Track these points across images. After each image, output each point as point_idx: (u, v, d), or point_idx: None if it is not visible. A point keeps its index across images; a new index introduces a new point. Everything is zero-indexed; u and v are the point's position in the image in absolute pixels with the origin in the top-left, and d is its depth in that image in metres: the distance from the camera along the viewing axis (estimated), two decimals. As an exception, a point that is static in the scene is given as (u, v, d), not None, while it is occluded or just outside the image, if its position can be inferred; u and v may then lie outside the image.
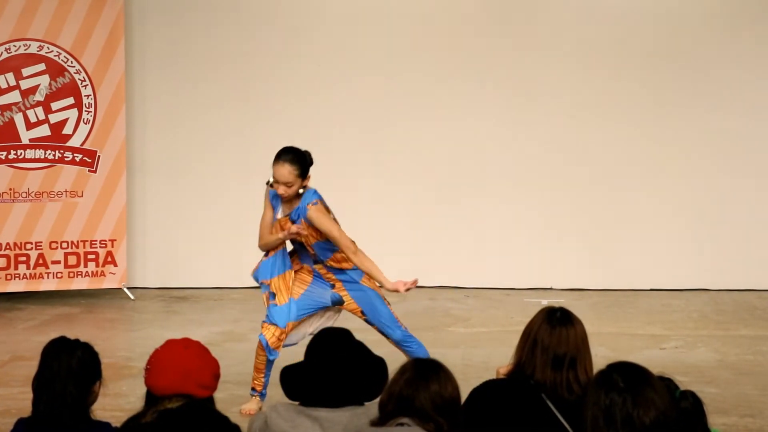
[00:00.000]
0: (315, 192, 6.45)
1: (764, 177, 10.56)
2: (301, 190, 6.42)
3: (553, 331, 3.87)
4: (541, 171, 10.59)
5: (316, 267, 6.52)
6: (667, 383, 3.53)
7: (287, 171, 6.36)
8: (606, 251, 10.57)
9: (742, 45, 10.49)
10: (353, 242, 6.40)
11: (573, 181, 10.58)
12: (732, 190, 10.56)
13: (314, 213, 6.35)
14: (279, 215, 6.53)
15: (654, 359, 7.15)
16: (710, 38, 10.51)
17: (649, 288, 10.51)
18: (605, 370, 3.26)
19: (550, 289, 10.55)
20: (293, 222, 6.42)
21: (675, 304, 9.94)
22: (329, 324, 6.40)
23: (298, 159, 6.39)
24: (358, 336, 3.98)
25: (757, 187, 10.55)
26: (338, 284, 6.50)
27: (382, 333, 6.50)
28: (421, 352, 6.42)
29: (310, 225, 6.36)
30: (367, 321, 6.52)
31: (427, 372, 3.50)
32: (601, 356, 4.02)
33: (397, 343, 6.48)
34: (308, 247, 6.45)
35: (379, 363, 3.87)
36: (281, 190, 6.39)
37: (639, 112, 10.56)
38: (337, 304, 6.53)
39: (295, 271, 6.55)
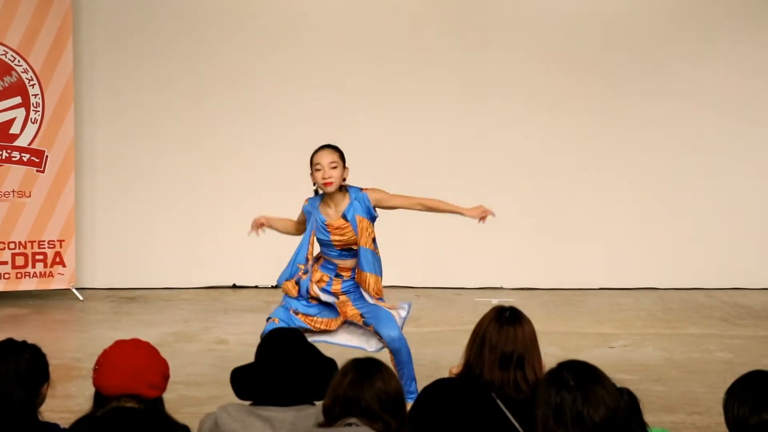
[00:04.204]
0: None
1: (711, 177, 10.67)
2: (345, 180, 6.31)
3: (501, 330, 3.88)
4: (491, 171, 10.64)
5: (335, 280, 6.37)
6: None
7: (330, 152, 6.30)
8: (556, 251, 10.64)
9: (692, 41, 10.61)
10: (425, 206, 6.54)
11: (523, 180, 10.64)
12: (679, 189, 10.67)
13: (376, 193, 6.33)
14: (327, 220, 6.32)
15: (603, 358, 7.19)
16: (659, 34, 10.62)
17: (598, 287, 10.59)
18: (555, 368, 3.28)
19: (501, 288, 10.60)
20: (346, 220, 6.28)
21: (624, 302, 10.02)
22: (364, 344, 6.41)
23: (337, 148, 6.36)
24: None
25: (705, 187, 10.67)
26: (342, 297, 6.39)
27: (378, 333, 6.41)
28: (407, 357, 6.35)
29: (370, 217, 6.29)
30: (365, 323, 6.44)
31: (369, 370, 3.50)
32: (551, 355, 4.04)
33: (390, 342, 6.38)
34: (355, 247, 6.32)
35: (330, 363, 3.87)
36: (327, 172, 6.24)
37: (587, 113, 10.64)
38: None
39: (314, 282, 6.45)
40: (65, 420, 3.74)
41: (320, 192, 6.36)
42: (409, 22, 10.61)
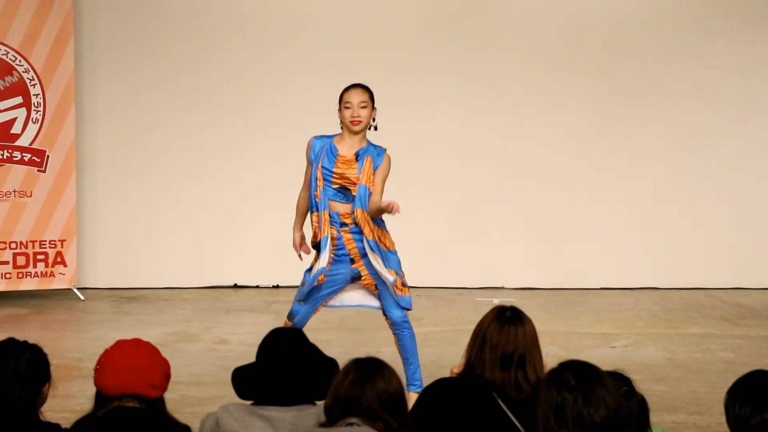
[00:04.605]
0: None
1: (712, 176, 10.67)
2: (372, 122, 6.33)
3: (502, 330, 3.88)
4: (492, 170, 10.64)
5: (342, 231, 6.37)
6: (620, 379, 3.56)
7: (361, 91, 6.32)
8: (557, 250, 10.64)
9: (692, 40, 10.61)
10: (378, 209, 6.39)
11: (524, 181, 10.63)
12: (681, 189, 10.67)
13: (388, 163, 6.38)
14: (340, 151, 6.32)
15: (604, 358, 7.18)
16: (660, 35, 10.62)
17: (599, 287, 10.59)
18: (556, 368, 3.28)
19: (502, 288, 10.60)
20: (356, 158, 6.30)
21: (625, 302, 10.02)
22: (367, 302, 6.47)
23: (368, 88, 6.38)
24: (310, 337, 3.98)
25: (706, 186, 10.66)
26: (358, 260, 6.40)
27: (384, 310, 6.46)
28: (410, 341, 6.39)
29: (375, 168, 6.32)
30: (378, 296, 6.48)
31: (370, 370, 3.49)
32: (551, 355, 4.04)
33: (393, 324, 6.43)
34: (353, 189, 6.33)
35: (331, 363, 3.87)
36: (356, 111, 6.27)
37: (590, 112, 10.64)
38: (356, 279, 6.47)
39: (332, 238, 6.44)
40: (66, 420, 3.74)
41: (340, 131, 6.37)
42: (409, 22, 10.60)
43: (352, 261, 6.41)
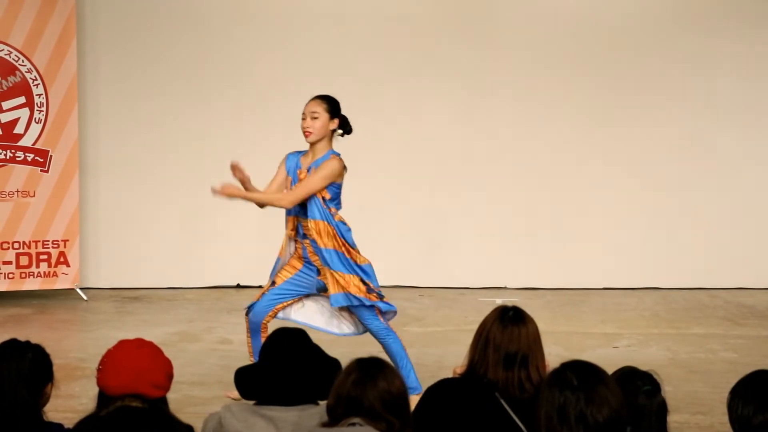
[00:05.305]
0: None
1: (715, 176, 10.67)
2: (336, 130, 6.32)
3: (505, 330, 3.88)
4: (495, 170, 10.64)
5: (305, 243, 6.38)
6: (645, 378, 3.58)
7: (316, 102, 6.33)
8: (559, 250, 10.64)
9: (694, 41, 10.61)
10: (289, 202, 6.28)
11: (526, 180, 10.64)
12: (683, 189, 10.67)
13: (332, 164, 6.25)
14: (301, 167, 6.38)
15: (607, 358, 7.18)
16: (662, 35, 10.61)
17: (601, 287, 10.59)
18: (559, 368, 3.27)
19: (505, 288, 10.60)
20: (308, 171, 6.32)
21: (627, 302, 10.02)
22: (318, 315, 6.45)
23: (330, 99, 6.38)
24: (313, 337, 3.98)
25: (707, 186, 10.66)
26: (324, 271, 6.40)
27: (363, 323, 6.45)
28: (396, 346, 6.38)
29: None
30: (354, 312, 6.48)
31: (373, 370, 3.49)
32: (554, 355, 4.04)
33: (374, 335, 6.45)
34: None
35: (334, 363, 3.87)
36: (307, 122, 6.29)
37: (592, 112, 10.64)
38: (322, 291, 6.47)
39: (290, 238, 6.47)
40: (69, 420, 3.74)
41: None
42: (412, 21, 10.60)
43: (319, 272, 6.42)
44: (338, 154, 6.36)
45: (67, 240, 9.99)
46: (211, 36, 10.55)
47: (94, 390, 3.64)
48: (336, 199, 6.38)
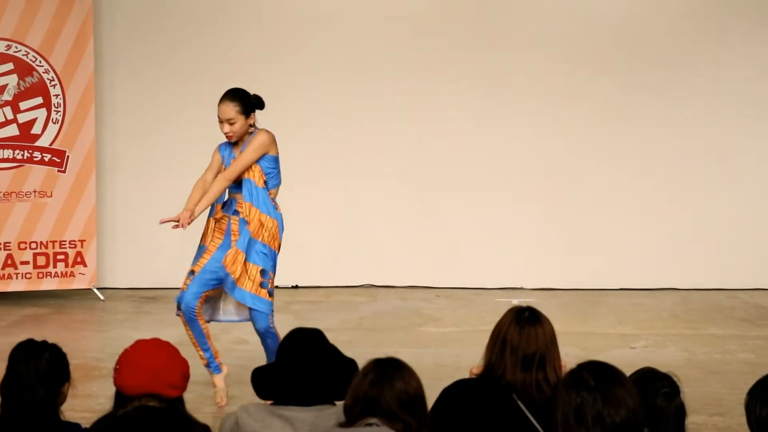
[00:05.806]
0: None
1: (733, 177, 10.63)
2: (251, 129, 6.44)
3: (522, 331, 3.87)
4: (512, 171, 10.62)
5: (233, 219, 6.46)
6: (665, 380, 3.57)
7: (228, 107, 6.42)
8: (576, 251, 10.62)
9: (704, 41, 10.57)
10: (226, 179, 6.35)
11: (543, 180, 10.61)
12: (701, 190, 10.63)
13: (261, 136, 6.42)
14: (235, 155, 6.49)
15: (624, 358, 7.17)
16: (673, 35, 10.58)
17: (618, 287, 10.56)
18: (576, 369, 3.27)
19: (521, 288, 10.58)
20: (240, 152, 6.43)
21: (645, 303, 9.99)
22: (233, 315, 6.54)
23: (239, 96, 6.48)
24: (329, 337, 3.98)
25: (726, 186, 10.62)
26: (237, 251, 6.42)
27: (252, 317, 6.48)
28: (274, 345, 6.34)
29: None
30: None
31: (390, 371, 3.49)
32: (571, 356, 4.03)
33: (258, 334, 6.49)
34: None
35: (350, 363, 3.87)
36: (226, 128, 6.43)
37: (608, 112, 10.61)
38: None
39: (216, 220, 6.54)
40: (86, 419, 3.75)
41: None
42: (420, 20, 10.58)
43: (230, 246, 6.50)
44: (264, 129, 6.43)
45: (84, 240, 10.02)
46: (227, 35, 10.56)
47: (111, 390, 3.64)
48: (274, 177, 6.46)
